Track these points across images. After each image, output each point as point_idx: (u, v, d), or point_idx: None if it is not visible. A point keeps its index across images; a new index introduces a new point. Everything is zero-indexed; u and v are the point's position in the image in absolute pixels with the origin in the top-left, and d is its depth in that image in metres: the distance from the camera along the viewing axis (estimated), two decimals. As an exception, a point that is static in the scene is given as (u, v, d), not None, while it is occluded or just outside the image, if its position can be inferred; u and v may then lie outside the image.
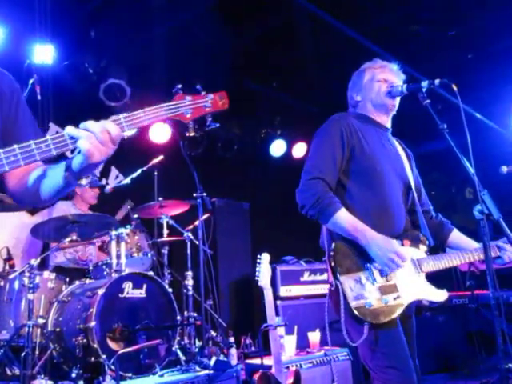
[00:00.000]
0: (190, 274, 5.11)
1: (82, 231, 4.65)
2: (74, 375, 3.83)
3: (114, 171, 6.76)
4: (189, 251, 5.22)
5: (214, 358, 4.25)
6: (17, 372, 3.99)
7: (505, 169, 3.68)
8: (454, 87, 2.39)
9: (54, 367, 4.14)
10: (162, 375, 4.06)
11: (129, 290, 4.30)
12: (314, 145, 2.69)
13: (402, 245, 2.55)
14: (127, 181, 5.32)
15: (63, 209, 5.34)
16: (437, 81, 2.49)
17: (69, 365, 4.12)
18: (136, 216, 5.15)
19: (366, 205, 2.56)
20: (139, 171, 5.33)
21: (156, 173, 5.67)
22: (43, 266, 5.06)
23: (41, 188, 1.79)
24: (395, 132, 2.95)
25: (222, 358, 4.47)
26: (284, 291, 5.48)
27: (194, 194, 4.98)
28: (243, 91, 7.21)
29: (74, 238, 4.53)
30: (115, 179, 6.71)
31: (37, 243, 5.64)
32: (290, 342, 4.65)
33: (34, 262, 4.22)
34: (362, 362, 2.53)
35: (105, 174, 6.69)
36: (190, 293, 5.05)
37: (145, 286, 4.40)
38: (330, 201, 2.45)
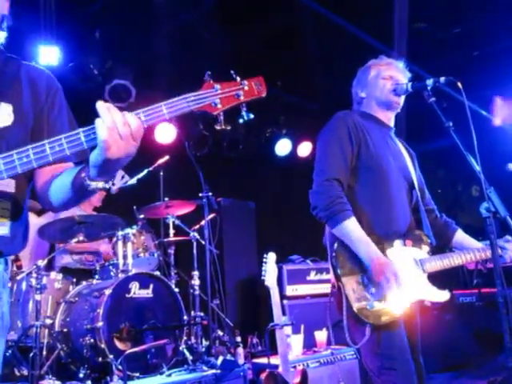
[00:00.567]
0: (196, 273, 5.11)
1: (89, 232, 4.66)
2: (81, 375, 3.85)
3: (119, 172, 6.75)
4: (195, 251, 5.23)
5: (220, 358, 4.25)
6: (25, 372, 4.01)
7: (511, 166, 3.67)
8: (459, 85, 2.38)
9: (61, 367, 4.16)
10: (169, 375, 4.07)
11: (135, 290, 4.31)
12: (323, 144, 2.67)
13: (405, 245, 2.54)
14: (133, 181, 5.32)
15: (69, 210, 5.35)
16: (442, 78, 2.48)
17: (76, 365, 4.14)
18: (142, 216, 5.15)
19: (371, 203, 2.55)
20: (145, 172, 5.33)
21: (162, 173, 5.68)
22: (50, 266, 5.08)
23: (52, 192, 1.73)
24: (400, 130, 2.94)
25: (228, 357, 4.47)
26: (290, 290, 5.48)
27: (200, 194, 4.99)
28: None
29: (81, 238, 4.54)
30: (121, 180, 6.70)
31: (44, 244, 5.65)
32: (296, 341, 4.65)
33: (41, 262, 4.23)
34: (363, 362, 2.52)
35: (110, 174, 6.69)
36: (197, 292, 5.06)
37: (151, 286, 4.41)
38: (341, 207, 2.43)
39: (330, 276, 2.50)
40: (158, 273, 4.63)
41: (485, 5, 5.64)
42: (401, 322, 2.43)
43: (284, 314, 4.94)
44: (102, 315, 4.00)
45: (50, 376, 3.86)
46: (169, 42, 6.01)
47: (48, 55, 5.28)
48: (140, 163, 5.59)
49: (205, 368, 4.20)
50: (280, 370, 3.59)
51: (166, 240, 5.39)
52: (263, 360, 4.36)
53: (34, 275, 4.18)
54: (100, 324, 3.96)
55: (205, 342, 4.75)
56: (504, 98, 7.34)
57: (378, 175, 2.58)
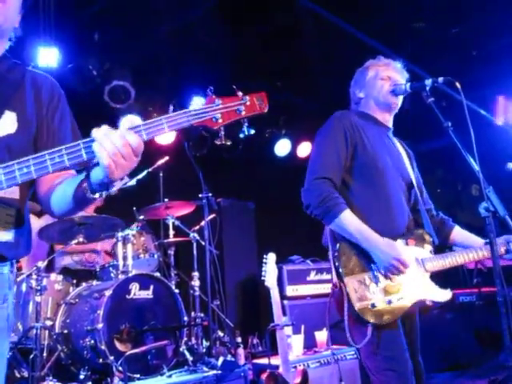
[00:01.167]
0: (196, 274, 5.11)
1: (89, 233, 4.66)
2: (82, 377, 3.85)
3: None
4: (195, 252, 5.23)
5: (221, 358, 4.25)
6: (25, 374, 4.01)
7: (511, 165, 3.67)
8: (458, 85, 2.39)
9: (62, 369, 4.16)
10: (169, 376, 4.07)
11: (136, 292, 4.31)
12: (318, 143, 2.69)
13: (407, 244, 2.54)
14: (133, 182, 5.33)
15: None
16: (440, 79, 2.49)
17: (77, 366, 4.14)
18: (142, 217, 5.15)
19: (369, 203, 2.55)
20: (145, 172, 5.34)
21: (161, 174, 5.68)
22: (50, 268, 5.08)
23: (54, 201, 1.74)
24: (400, 130, 2.94)
25: (229, 358, 4.48)
26: (291, 291, 5.48)
27: (200, 195, 4.99)
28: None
29: (81, 239, 4.54)
30: (121, 181, 6.71)
31: (44, 245, 5.65)
32: (297, 342, 4.65)
33: (41, 264, 4.23)
34: (362, 362, 2.52)
35: (110, 175, 6.69)
36: (197, 293, 5.06)
37: (152, 287, 4.41)
38: (335, 202, 2.44)
39: (332, 276, 2.50)
40: (158, 274, 4.63)
41: (483, 5, 5.64)
42: (399, 322, 2.43)
43: (284, 314, 4.94)
44: (102, 316, 4.00)
45: (51, 377, 3.86)
46: (168, 43, 6.02)
47: (47, 57, 5.27)
48: (140, 164, 5.59)
49: (205, 369, 4.20)
50: (280, 370, 3.59)
51: (165, 241, 5.39)
52: (264, 360, 4.36)
53: (34, 277, 4.18)
54: (100, 325, 3.96)
55: (205, 343, 4.75)
56: (507, 98, 7.35)
57: (375, 175, 2.59)
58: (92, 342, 3.96)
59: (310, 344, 4.88)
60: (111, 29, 5.69)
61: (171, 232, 5.39)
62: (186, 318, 4.53)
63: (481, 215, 2.27)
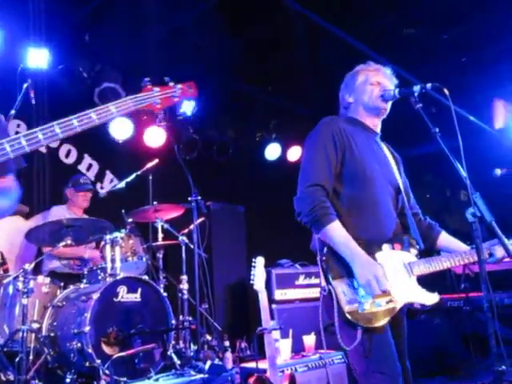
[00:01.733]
0: (185, 277, 5.10)
1: (77, 235, 4.64)
2: (68, 380, 3.82)
3: (108, 175, 6.76)
4: (184, 255, 5.22)
5: (208, 362, 4.24)
6: (11, 377, 3.97)
7: (498, 171, 3.69)
8: (446, 91, 2.40)
9: (48, 372, 4.13)
10: (156, 379, 4.05)
11: (123, 295, 4.29)
12: (308, 149, 2.68)
13: (393, 249, 2.56)
14: (122, 185, 5.32)
15: (58, 213, 5.33)
16: (428, 85, 2.50)
17: (63, 370, 4.11)
18: (131, 220, 5.14)
19: (357, 208, 2.56)
20: (134, 175, 5.33)
21: (151, 177, 5.67)
22: (37, 270, 5.05)
23: None
24: (389, 135, 2.95)
25: (217, 361, 4.47)
26: (279, 295, 5.48)
27: (189, 198, 4.99)
28: (238, 94, 7.23)
29: (69, 242, 4.52)
30: (110, 183, 6.70)
31: (31, 248, 5.62)
32: (285, 346, 4.65)
33: (29, 266, 4.20)
34: (350, 365, 2.53)
35: (100, 178, 6.68)
36: (185, 297, 5.05)
37: (140, 290, 4.39)
38: (324, 211, 2.44)
39: (320, 280, 2.50)
40: (146, 277, 4.61)
41: (474, 10, 5.70)
42: (387, 326, 2.44)
43: (272, 318, 4.95)
44: (89, 319, 3.97)
45: (37, 381, 3.83)
46: (159, 45, 6.02)
47: (37, 58, 5.24)
48: (129, 167, 5.58)
49: (193, 372, 4.19)
50: (268, 374, 3.59)
51: (154, 244, 5.37)
52: (251, 364, 4.35)
53: (21, 279, 4.15)
54: (87, 328, 3.94)
55: (193, 347, 4.74)
56: (504, 102, 7.41)
57: (362, 181, 2.59)
58: (79, 345, 3.94)
59: (297, 348, 4.88)
60: (102, 30, 5.68)
61: (160, 235, 5.37)
62: (173, 322, 4.51)
63: (468, 220, 2.28)
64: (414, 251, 2.62)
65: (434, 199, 10.15)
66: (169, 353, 4.34)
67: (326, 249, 2.47)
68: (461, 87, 5.86)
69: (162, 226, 5.35)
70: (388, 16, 5.85)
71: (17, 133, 5.91)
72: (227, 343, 4.85)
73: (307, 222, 2.48)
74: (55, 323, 4.25)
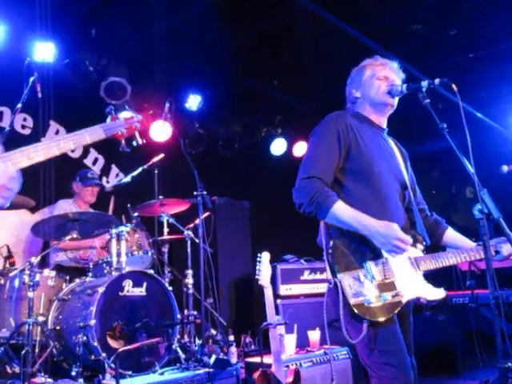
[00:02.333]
0: (190, 272, 5.11)
1: (83, 229, 4.65)
2: (73, 373, 3.83)
3: (114, 169, 6.77)
4: (189, 250, 5.22)
5: (213, 357, 4.25)
6: (17, 370, 4.00)
7: (505, 168, 3.68)
8: (454, 87, 2.39)
9: (54, 365, 4.15)
10: (161, 373, 4.07)
11: (129, 289, 4.31)
12: (311, 144, 2.69)
13: None
14: (127, 179, 5.32)
15: (64, 207, 5.35)
16: (436, 80, 2.48)
17: (69, 363, 4.13)
18: (136, 214, 5.15)
19: (364, 204, 2.55)
20: (140, 169, 5.33)
21: (156, 171, 5.67)
22: (43, 263, 5.07)
23: None
24: (396, 132, 2.94)
25: (221, 356, 4.47)
26: (284, 290, 5.48)
27: (195, 193, 4.98)
28: (244, 90, 7.22)
29: (75, 235, 4.53)
30: (116, 178, 6.71)
31: (37, 241, 5.65)
32: (289, 341, 4.66)
33: (35, 259, 4.22)
34: (359, 358, 2.53)
35: (105, 172, 6.69)
36: (190, 291, 5.05)
37: (145, 285, 4.40)
38: (326, 195, 2.44)
39: (326, 273, 2.50)
40: (151, 271, 4.62)
41: (481, 7, 5.66)
42: (395, 317, 2.43)
43: (277, 313, 4.95)
44: (94, 313, 3.99)
45: (43, 374, 3.85)
46: (165, 40, 6.01)
47: (43, 51, 5.25)
48: (135, 161, 5.59)
49: (198, 367, 4.21)
50: (273, 369, 3.60)
51: (160, 238, 5.38)
52: (256, 359, 4.36)
53: (27, 272, 4.17)
54: (93, 322, 3.95)
55: (198, 341, 4.74)
56: None
57: (369, 176, 2.59)
58: (84, 338, 3.95)
59: (302, 343, 4.88)
60: (108, 24, 5.67)
61: (165, 229, 5.38)
62: (178, 316, 4.53)
63: (475, 217, 2.27)
64: (420, 247, 2.62)
65: (439, 195, 10.12)
66: (174, 347, 4.36)
67: (332, 242, 2.47)
68: (468, 83, 5.82)
69: (168, 221, 5.36)
70: (395, 12, 5.82)
71: (23, 126, 5.92)
72: (232, 338, 4.86)
73: (311, 211, 2.48)
74: (61, 316, 4.27)
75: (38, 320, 4.14)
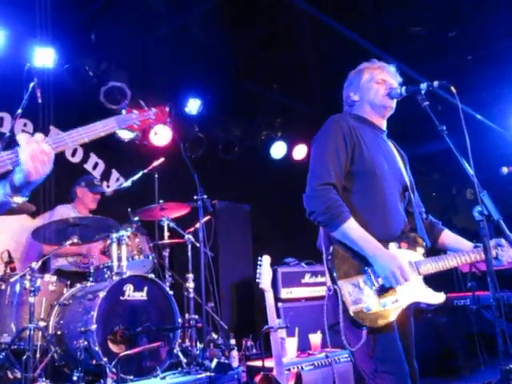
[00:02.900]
0: (191, 276, 5.10)
1: (83, 234, 4.65)
2: (75, 378, 3.83)
3: (114, 174, 6.77)
4: (190, 253, 5.22)
5: (215, 361, 4.25)
6: (18, 375, 3.99)
7: (505, 170, 3.68)
8: (453, 89, 2.39)
9: (55, 370, 4.14)
10: (163, 378, 4.07)
11: (130, 293, 4.30)
12: (318, 147, 2.65)
13: (400, 247, 2.54)
14: (128, 183, 5.33)
15: (61, 213, 5.35)
16: (435, 83, 2.49)
17: (70, 368, 4.12)
18: (137, 219, 5.14)
19: (365, 206, 2.55)
20: (140, 174, 5.33)
21: (157, 175, 5.67)
22: (44, 268, 5.06)
23: None
24: (396, 134, 2.95)
25: (223, 360, 4.47)
26: (285, 293, 5.47)
27: (195, 197, 4.98)
28: (243, 93, 7.23)
29: (75, 240, 4.53)
30: (116, 182, 6.72)
31: (38, 246, 5.64)
32: (291, 344, 4.65)
33: (35, 265, 4.22)
34: (357, 366, 2.52)
35: (105, 176, 6.70)
36: (191, 295, 5.05)
37: (146, 289, 4.40)
38: (340, 210, 2.42)
39: (326, 279, 2.49)
40: (152, 275, 4.62)
41: (480, 8, 5.67)
42: (395, 325, 2.43)
43: (278, 316, 4.95)
44: (95, 318, 3.98)
45: (44, 379, 3.84)
46: (165, 44, 6.02)
47: (43, 57, 5.26)
48: (135, 165, 5.59)
49: (199, 371, 4.20)
50: (274, 372, 3.59)
51: (160, 242, 5.38)
52: (257, 363, 4.36)
53: (28, 277, 4.16)
54: (94, 327, 3.95)
55: (199, 345, 4.74)
56: None
57: (371, 179, 2.58)
58: (85, 343, 3.94)
59: (304, 346, 4.88)
60: (108, 29, 5.69)
61: (166, 233, 5.38)
62: (180, 320, 4.52)
63: (475, 219, 2.27)
64: (420, 250, 2.61)
65: (440, 197, 10.12)
66: (175, 351, 4.35)
67: (331, 248, 2.46)
68: (467, 85, 5.83)
69: (168, 225, 5.36)
70: (394, 14, 5.83)
71: (23, 132, 5.93)
72: (233, 341, 4.85)
73: (322, 221, 2.46)
74: (62, 321, 4.27)
75: (39, 325, 4.14)
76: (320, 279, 5.63)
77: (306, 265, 5.78)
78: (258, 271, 3.77)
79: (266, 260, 3.78)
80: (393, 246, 2.52)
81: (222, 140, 7.78)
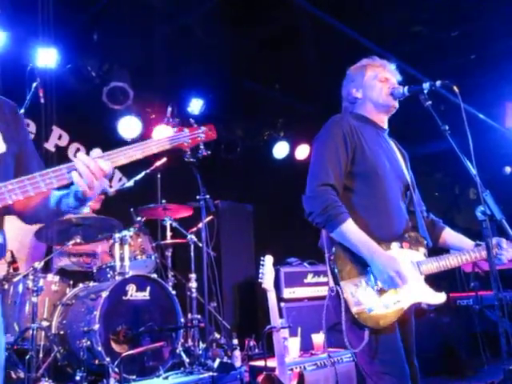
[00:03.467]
0: (193, 276, 5.11)
1: (86, 234, 4.66)
2: (78, 378, 3.83)
3: (117, 174, 6.77)
4: (192, 253, 5.22)
5: (217, 360, 4.25)
6: (21, 375, 4.00)
7: (508, 169, 3.68)
8: (455, 88, 2.38)
9: (58, 370, 4.15)
10: (166, 377, 4.07)
11: (132, 293, 4.31)
12: (318, 148, 2.64)
13: (402, 247, 2.54)
14: (130, 183, 5.33)
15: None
16: (438, 82, 2.48)
17: (73, 367, 4.13)
18: (139, 218, 5.15)
19: (367, 206, 2.54)
20: (142, 174, 5.33)
21: (159, 175, 5.68)
22: (47, 268, 5.07)
23: (43, 211, 2.00)
24: (398, 133, 2.94)
25: (225, 360, 4.47)
26: (288, 293, 5.47)
27: (198, 197, 4.98)
28: (245, 93, 7.23)
29: (78, 240, 4.54)
30: (118, 182, 6.72)
31: (41, 246, 5.65)
32: (293, 344, 4.65)
33: (38, 264, 4.23)
34: (359, 366, 2.51)
35: (108, 176, 6.69)
36: (194, 295, 5.05)
37: (148, 289, 4.41)
38: (338, 211, 2.41)
39: (328, 280, 2.49)
40: (155, 275, 4.63)
41: (483, 7, 5.66)
42: (396, 325, 2.43)
43: (281, 316, 4.94)
44: (98, 317, 3.99)
45: (47, 378, 3.85)
46: (167, 44, 6.02)
47: (46, 57, 5.27)
48: (137, 165, 5.58)
49: (202, 371, 4.20)
50: (277, 372, 3.59)
51: (163, 242, 5.38)
52: (260, 363, 4.36)
53: (31, 277, 4.17)
54: (97, 326, 3.95)
55: (202, 345, 4.74)
56: None
57: (373, 179, 2.57)
58: (88, 343, 3.95)
59: (306, 346, 4.88)
60: (110, 29, 5.69)
61: (169, 233, 5.38)
62: (182, 320, 4.52)
63: (478, 219, 2.27)
64: (422, 250, 2.60)
65: (442, 197, 10.11)
66: (178, 351, 4.36)
67: (334, 248, 2.46)
68: (470, 85, 5.82)
69: (171, 225, 5.36)
70: (397, 13, 5.82)
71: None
72: (236, 341, 4.86)
73: (320, 222, 2.45)
74: (65, 321, 4.28)
75: (41, 325, 4.15)
76: (323, 279, 5.63)
77: (308, 265, 5.78)
78: (260, 271, 3.76)
79: (268, 260, 3.78)
80: (395, 245, 2.52)
81: (224, 140, 7.78)
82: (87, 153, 1.91)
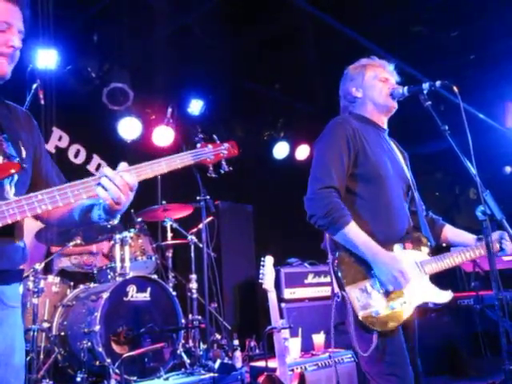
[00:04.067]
0: (194, 276, 5.11)
1: (86, 235, 4.66)
2: (78, 379, 3.84)
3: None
4: (193, 254, 5.22)
5: (218, 361, 4.25)
6: (22, 376, 3.99)
7: (508, 169, 3.67)
8: (455, 89, 2.38)
9: (58, 371, 4.16)
10: (166, 378, 4.07)
11: (133, 294, 4.31)
12: (320, 150, 2.63)
13: (404, 248, 2.53)
14: (130, 184, 5.32)
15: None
16: (438, 82, 2.47)
17: (74, 369, 4.13)
18: (140, 219, 5.15)
19: (370, 208, 2.53)
20: (142, 174, 5.33)
21: (159, 176, 5.67)
22: (47, 270, 5.07)
23: (67, 220, 2.03)
24: (398, 133, 2.94)
25: (226, 360, 4.47)
26: (288, 293, 5.47)
27: (198, 197, 4.99)
28: (246, 93, 7.22)
29: (79, 241, 4.54)
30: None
31: (41, 247, 5.65)
32: (294, 345, 4.65)
33: (39, 266, 4.23)
34: (362, 368, 2.51)
35: (108, 177, 6.69)
36: (195, 296, 5.05)
37: (149, 290, 4.41)
38: (341, 213, 2.40)
39: (332, 285, 2.47)
40: (155, 276, 4.63)
41: (482, 8, 5.65)
42: (400, 327, 2.42)
43: (282, 317, 4.94)
44: (99, 319, 3.99)
45: (48, 380, 3.86)
46: (167, 45, 6.02)
47: (46, 58, 5.27)
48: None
49: (202, 371, 4.20)
50: (278, 373, 3.59)
51: (163, 243, 5.38)
52: (261, 363, 4.35)
53: (32, 279, 4.17)
54: (97, 327, 3.95)
55: (202, 346, 4.75)
56: None
57: (376, 181, 2.55)
58: (89, 344, 3.95)
59: (307, 347, 4.87)
60: (110, 31, 5.69)
61: (169, 234, 5.38)
62: (183, 321, 4.53)
63: (478, 218, 2.27)
64: (425, 249, 2.60)
65: (442, 197, 10.11)
66: (178, 352, 4.36)
67: (337, 253, 2.44)
68: (470, 85, 5.82)
69: (171, 226, 5.36)
70: (397, 14, 5.81)
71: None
72: (236, 342, 4.86)
73: (323, 225, 2.44)
74: (65, 322, 4.28)
75: (42, 326, 4.15)
76: (323, 279, 5.63)
77: (309, 265, 5.78)
78: (260, 271, 3.76)
79: (269, 260, 3.78)
80: (398, 247, 2.51)
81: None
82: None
